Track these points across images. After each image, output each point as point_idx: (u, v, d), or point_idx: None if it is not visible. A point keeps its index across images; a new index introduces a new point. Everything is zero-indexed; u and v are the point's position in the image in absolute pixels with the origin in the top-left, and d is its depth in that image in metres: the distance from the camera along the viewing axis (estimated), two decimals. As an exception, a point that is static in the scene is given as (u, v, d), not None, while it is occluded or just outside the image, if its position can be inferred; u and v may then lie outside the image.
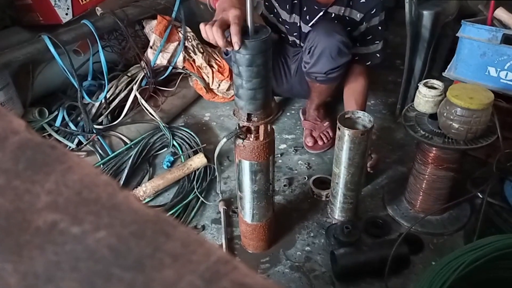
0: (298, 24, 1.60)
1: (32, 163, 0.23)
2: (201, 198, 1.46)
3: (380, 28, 1.56)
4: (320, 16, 1.54)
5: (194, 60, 1.91)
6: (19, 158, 0.23)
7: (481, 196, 1.20)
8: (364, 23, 1.54)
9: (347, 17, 1.54)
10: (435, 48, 1.95)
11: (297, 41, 1.68)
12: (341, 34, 1.42)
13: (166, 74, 1.86)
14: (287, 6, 1.57)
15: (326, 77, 1.51)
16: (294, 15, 1.59)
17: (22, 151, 0.23)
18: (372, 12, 1.52)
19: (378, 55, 1.60)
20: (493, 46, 1.33)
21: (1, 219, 0.21)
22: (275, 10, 1.64)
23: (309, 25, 1.58)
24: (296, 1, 1.55)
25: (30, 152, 0.23)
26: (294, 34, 1.66)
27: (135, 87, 1.76)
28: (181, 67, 1.89)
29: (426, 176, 1.29)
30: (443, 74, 1.50)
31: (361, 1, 1.51)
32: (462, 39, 1.41)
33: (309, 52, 1.48)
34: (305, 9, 1.55)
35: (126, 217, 0.22)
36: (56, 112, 1.65)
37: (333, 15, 1.54)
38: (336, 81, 1.57)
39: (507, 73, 1.34)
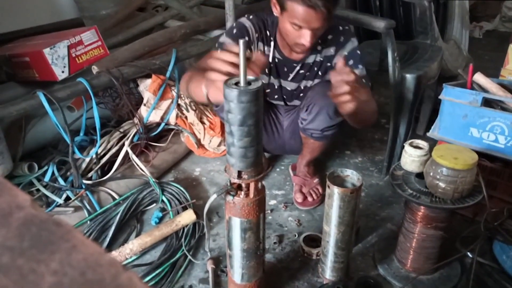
0: (279, 84, 1.67)
1: (37, 241, 0.23)
2: (189, 256, 1.43)
3: (358, 52, 1.56)
4: (298, 69, 1.61)
5: (186, 117, 1.95)
6: (24, 235, 0.24)
7: (470, 255, 1.20)
8: (337, 54, 1.57)
9: (323, 59, 1.59)
10: (418, 109, 2.03)
11: (281, 102, 1.74)
12: None
13: (158, 130, 1.88)
14: (265, 71, 1.64)
15: (322, 134, 1.55)
16: (272, 78, 1.65)
17: (27, 227, 0.24)
18: (341, 40, 1.55)
19: (364, 80, 1.49)
20: (474, 108, 1.40)
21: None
22: None
23: (289, 79, 1.64)
24: (272, 65, 1.62)
25: (35, 229, 0.24)
26: (276, 96, 1.72)
27: (126, 143, 1.77)
28: (173, 124, 1.92)
29: (416, 235, 1.30)
30: (427, 134, 1.55)
31: (328, 37, 1.56)
32: (444, 101, 1.47)
33: (306, 110, 1.54)
34: (285, 69, 1.62)
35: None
36: (46, 167, 1.65)
37: (311, 64, 1.61)
38: (330, 139, 1.61)
39: (489, 134, 1.39)
